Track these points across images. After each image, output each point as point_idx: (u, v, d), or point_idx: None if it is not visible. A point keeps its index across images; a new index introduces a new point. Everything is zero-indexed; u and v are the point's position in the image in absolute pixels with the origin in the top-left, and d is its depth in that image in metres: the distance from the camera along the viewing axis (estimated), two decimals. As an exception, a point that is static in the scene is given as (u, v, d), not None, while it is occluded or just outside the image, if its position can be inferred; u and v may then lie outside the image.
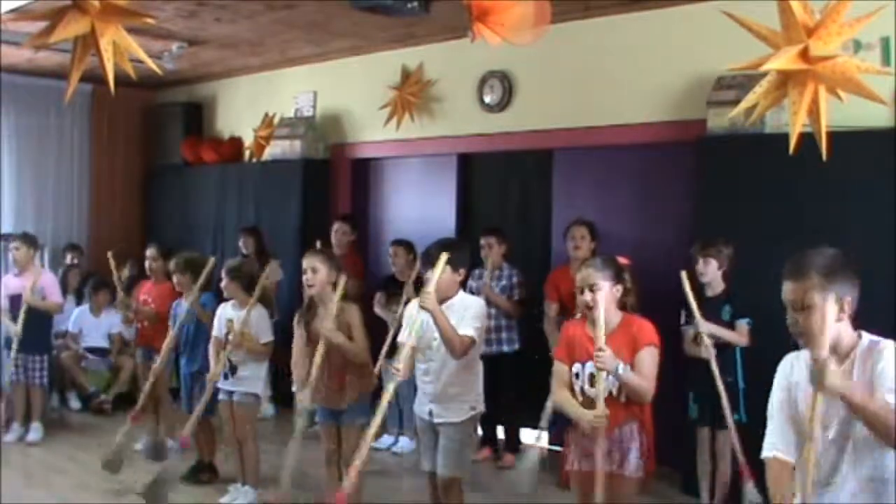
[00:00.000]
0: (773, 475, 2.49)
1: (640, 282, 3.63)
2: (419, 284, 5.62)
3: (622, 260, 3.56)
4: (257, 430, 5.09)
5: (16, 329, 6.12)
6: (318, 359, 4.10)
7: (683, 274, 4.32)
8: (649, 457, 3.39)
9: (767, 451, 2.52)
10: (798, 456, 2.44)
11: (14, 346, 6.15)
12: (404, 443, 6.14)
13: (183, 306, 5.40)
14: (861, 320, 2.49)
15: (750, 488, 4.03)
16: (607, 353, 3.21)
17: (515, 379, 5.70)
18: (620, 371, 3.23)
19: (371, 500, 4.72)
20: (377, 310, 5.97)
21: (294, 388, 4.36)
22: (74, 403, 7.35)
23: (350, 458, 4.31)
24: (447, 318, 3.72)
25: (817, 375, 2.26)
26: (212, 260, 5.29)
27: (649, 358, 3.31)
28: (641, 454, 3.35)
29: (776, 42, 2.78)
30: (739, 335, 4.56)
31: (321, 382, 4.22)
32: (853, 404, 2.27)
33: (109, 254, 6.22)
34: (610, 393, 3.32)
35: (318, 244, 5.38)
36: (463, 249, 4.06)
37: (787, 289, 2.41)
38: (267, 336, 4.92)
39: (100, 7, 3.02)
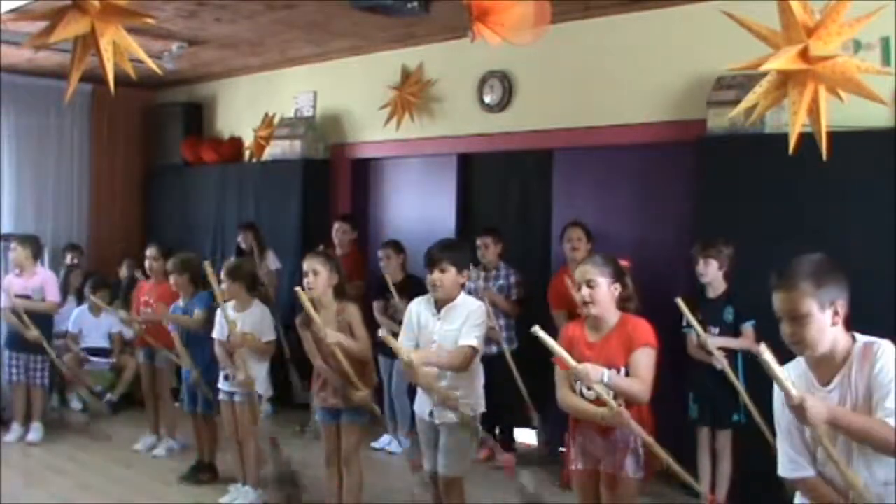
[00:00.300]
0: (809, 492, 2.46)
1: (639, 281, 3.62)
2: (408, 286, 5.64)
3: (623, 262, 3.53)
4: (258, 430, 5.08)
5: (34, 335, 6.13)
6: (343, 362, 4.11)
7: (680, 300, 4.23)
8: (648, 458, 3.38)
9: (793, 472, 2.47)
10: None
11: (47, 348, 6.22)
12: (400, 441, 6.14)
13: (180, 308, 5.41)
14: (861, 320, 2.49)
15: None
16: (582, 368, 3.16)
17: (513, 379, 5.67)
18: (606, 380, 3.18)
19: (371, 499, 4.72)
20: (378, 317, 5.92)
21: (334, 393, 4.32)
22: (75, 404, 7.36)
23: (349, 456, 4.32)
24: (438, 359, 3.81)
25: (798, 416, 2.24)
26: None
27: (645, 359, 3.27)
28: (641, 455, 3.34)
29: (776, 42, 2.78)
30: (747, 339, 4.52)
31: (329, 385, 4.24)
32: (843, 430, 2.26)
33: (91, 294, 6.29)
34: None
35: (321, 247, 5.37)
36: (466, 251, 4.07)
37: (779, 299, 2.38)
38: (269, 335, 4.92)
39: (100, 7, 3.02)
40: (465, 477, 4.01)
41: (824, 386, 2.41)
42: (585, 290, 3.36)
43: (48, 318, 6.47)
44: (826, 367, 2.41)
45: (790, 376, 2.39)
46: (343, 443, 4.32)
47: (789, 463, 2.47)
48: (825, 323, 2.35)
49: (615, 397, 3.28)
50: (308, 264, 4.25)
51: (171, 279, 5.40)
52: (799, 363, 2.46)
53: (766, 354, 2.23)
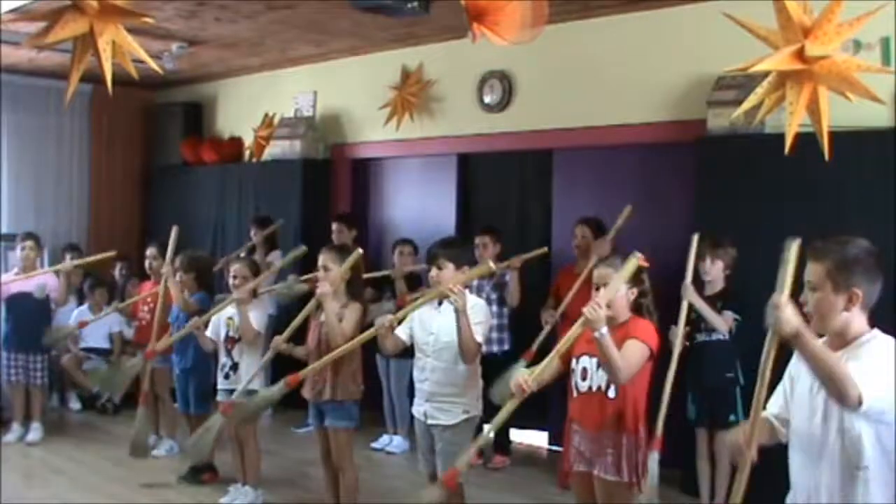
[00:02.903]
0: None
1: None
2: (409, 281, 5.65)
3: (641, 261, 3.52)
4: (258, 430, 5.09)
5: None
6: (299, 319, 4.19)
7: (695, 239, 4.42)
8: (634, 460, 3.34)
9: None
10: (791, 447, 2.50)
11: None
12: (398, 442, 6.13)
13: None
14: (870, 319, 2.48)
15: None
16: (601, 311, 3.12)
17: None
18: (603, 331, 3.15)
19: (370, 499, 4.72)
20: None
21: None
22: (74, 404, 7.36)
23: (339, 459, 4.31)
24: (469, 321, 3.72)
25: (769, 316, 2.24)
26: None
27: (633, 348, 3.28)
28: (627, 458, 3.32)
29: (776, 42, 2.78)
30: (723, 322, 4.54)
31: (312, 373, 4.25)
32: (804, 352, 2.25)
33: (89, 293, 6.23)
34: (599, 388, 3.32)
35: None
36: (464, 248, 4.07)
37: (807, 268, 2.43)
38: (256, 325, 4.91)
39: (98, 7, 3.02)
40: (465, 479, 3.99)
41: None
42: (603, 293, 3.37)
43: (46, 316, 6.48)
44: (832, 347, 2.41)
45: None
46: (332, 446, 4.33)
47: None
48: (836, 304, 2.38)
49: (608, 386, 3.32)
50: (321, 259, 4.30)
51: (178, 276, 5.40)
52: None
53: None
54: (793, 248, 2.30)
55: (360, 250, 4.32)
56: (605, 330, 3.16)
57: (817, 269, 2.40)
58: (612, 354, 3.20)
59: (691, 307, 4.45)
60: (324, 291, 4.13)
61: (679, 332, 4.35)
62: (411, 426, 4.12)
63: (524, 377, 3.22)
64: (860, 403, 2.20)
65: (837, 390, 2.22)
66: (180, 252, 5.57)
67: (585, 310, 3.14)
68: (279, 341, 4.35)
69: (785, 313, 2.21)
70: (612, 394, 3.32)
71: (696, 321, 4.60)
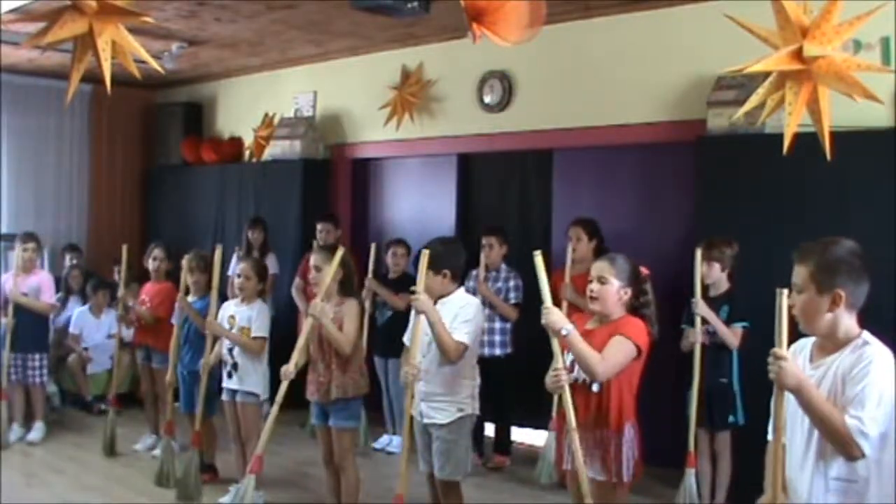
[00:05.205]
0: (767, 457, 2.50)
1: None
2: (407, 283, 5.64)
3: (643, 270, 3.50)
4: (260, 429, 5.08)
5: (8, 322, 6.15)
6: (300, 341, 4.23)
7: (698, 252, 4.49)
8: (620, 461, 3.32)
9: (769, 434, 2.53)
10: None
11: (7, 339, 6.18)
12: (398, 442, 6.12)
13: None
14: (862, 319, 2.48)
15: None
16: (554, 312, 3.17)
17: (507, 382, 5.65)
18: (565, 332, 3.15)
19: (370, 499, 4.71)
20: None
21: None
22: (55, 401, 7.33)
23: (342, 459, 4.32)
24: (441, 320, 3.72)
25: (771, 369, 2.28)
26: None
27: (616, 345, 3.25)
28: (613, 457, 3.30)
29: (775, 43, 2.78)
30: (732, 336, 4.55)
31: (316, 375, 4.28)
32: (803, 404, 2.29)
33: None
34: (584, 380, 3.30)
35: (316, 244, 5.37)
36: (447, 249, 3.99)
37: (793, 270, 2.45)
38: (258, 332, 4.90)
39: (97, 7, 3.02)
40: (464, 479, 3.99)
41: (811, 362, 2.46)
42: (595, 285, 3.36)
43: (46, 316, 6.48)
44: (822, 350, 2.45)
45: (795, 355, 2.44)
46: (335, 446, 4.33)
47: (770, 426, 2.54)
48: (821, 306, 2.39)
49: (591, 382, 3.30)
50: (313, 260, 4.34)
51: (185, 276, 5.39)
52: (809, 339, 2.51)
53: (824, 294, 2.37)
54: (783, 298, 2.31)
55: (344, 249, 4.34)
56: (570, 327, 3.17)
57: (801, 270, 2.41)
58: (582, 350, 3.18)
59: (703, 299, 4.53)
60: (314, 314, 4.15)
61: (697, 339, 4.50)
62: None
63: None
64: (863, 456, 2.24)
65: (840, 447, 2.26)
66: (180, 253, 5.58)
67: (542, 320, 3.18)
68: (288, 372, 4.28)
69: (787, 366, 2.25)
70: (595, 388, 3.30)
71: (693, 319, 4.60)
